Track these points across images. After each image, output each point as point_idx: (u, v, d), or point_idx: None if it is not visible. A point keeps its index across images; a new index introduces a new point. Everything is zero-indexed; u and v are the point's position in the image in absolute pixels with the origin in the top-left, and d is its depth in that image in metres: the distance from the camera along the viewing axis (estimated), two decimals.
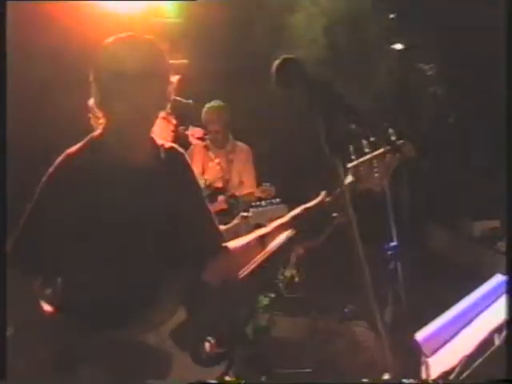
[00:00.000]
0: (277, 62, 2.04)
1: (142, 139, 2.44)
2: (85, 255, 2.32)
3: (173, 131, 4.12)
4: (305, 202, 2.56)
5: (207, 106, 6.12)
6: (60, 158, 2.36)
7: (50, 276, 2.52)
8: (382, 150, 2.46)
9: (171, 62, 2.46)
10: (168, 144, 2.62)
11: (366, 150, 2.48)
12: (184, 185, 2.56)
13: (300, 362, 5.00)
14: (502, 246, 7.43)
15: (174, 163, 2.54)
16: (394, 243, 3.51)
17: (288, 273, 6.63)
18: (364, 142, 2.48)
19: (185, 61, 6.01)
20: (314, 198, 2.55)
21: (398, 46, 11.14)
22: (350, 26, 8.65)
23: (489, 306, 2.59)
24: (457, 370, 2.35)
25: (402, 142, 2.47)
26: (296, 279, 6.63)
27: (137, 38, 2.34)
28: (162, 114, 2.52)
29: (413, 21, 9.44)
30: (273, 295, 6.36)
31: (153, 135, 2.52)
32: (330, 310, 6.26)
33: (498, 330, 2.43)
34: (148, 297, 2.31)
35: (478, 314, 2.56)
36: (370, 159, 2.46)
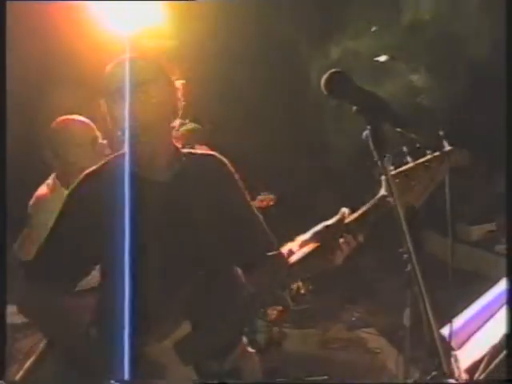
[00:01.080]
0: (326, 76, 2.02)
1: (163, 150, 2.41)
2: (109, 266, 2.39)
3: None
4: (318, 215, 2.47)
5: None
6: (81, 176, 2.44)
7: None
8: (425, 158, 2.29)
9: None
10: (205, 152, 2.66)
11: (408, 159, 2.29)
12: (224, 192, 2.51)
13: (313, 373, 5.02)
14: (500, 248, 7.54)
15: (210, 171, 2.50)
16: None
17: (294, 285, 6.70)
18: (405, 149, 2.28)
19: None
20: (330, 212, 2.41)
21: (382, 58, 11.35)
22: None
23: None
24: (485, 360, 2.42)
25: (451, 148, 2.30)
26: (302, 291, 6.69)
27: (135, 57, 2.37)
28: (176, 122, 2.45)
29: (397, 33, 9.62)
30: (280, 308, 6.43)
31: (179, 146, 2.52)
32: (338, 319, 6.31)
33: None
34: (159, 308, 2.32)
35: (503, 305, 2.64)
36: (411, 169, 2.28)
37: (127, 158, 2.35)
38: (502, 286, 2.76)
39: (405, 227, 1.96)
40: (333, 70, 2.02)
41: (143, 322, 2.24)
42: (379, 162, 1.91)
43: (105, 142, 3.56)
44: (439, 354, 1.80)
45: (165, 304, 2.30)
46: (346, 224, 2.32)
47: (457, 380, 2.42)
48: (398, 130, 2.02)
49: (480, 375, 2.41)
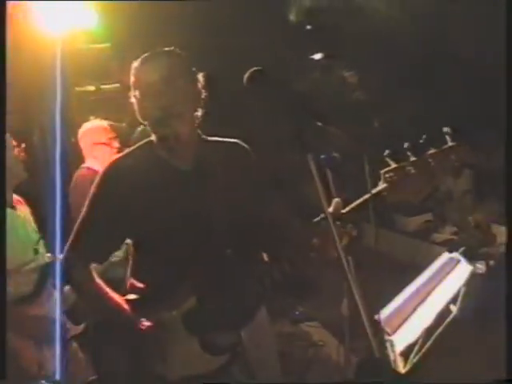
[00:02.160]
0: (247, 75, 2.12)
1: (188, 138, 2.52)
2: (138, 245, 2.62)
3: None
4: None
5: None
6: (111, 160, 2.59)
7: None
8: (428, 154, 2.28)
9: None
10: (229, 140, 2.69)
11: (409, 154, 2.27)
12: (245, 177, 2.60)
13: None
14: (437, 237, 7.73)
15: (233, 157, 2.61)
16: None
17: None
18: (407, 144, 2.28)
19: (117, 84, 6.08)
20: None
21: (317, 56, 11.48)
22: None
23: (441, 280, 2.77)
24: (419, 342, 2.50)
25: (456, 143, 2.29)
26: None
27: (161, 52, 2.50)
28: (199, 112, 2.54)
29: (331, 31, 9.77)
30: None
31: (204, 136, 2.63)
32: (282, 314, 6.35)
33: (453, 300, 2.61)
34: (171, 282, 2.47)
35: (432, 290, 2.73)
36: (411, 164, 2.27)
37: (154, 150, 2.56)
38: (430, 271, 2.85)
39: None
40: (254, 68, 2.07)
41: (157, 293, 2.46)
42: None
43: None
44: (370, 339, 1.83)
45: (175, 278, 2.45)
46: (341, 214, 2.36)
47: (392, 364, 2.51)
48: (319, 124, 2.07)
49: (414, 357, 2.49)
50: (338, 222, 2.28)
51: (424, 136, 2.27)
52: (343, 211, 2.34)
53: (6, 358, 2.48)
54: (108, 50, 6.28)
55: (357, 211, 2.35)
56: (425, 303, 2.70)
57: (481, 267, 6.90)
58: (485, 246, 7.28)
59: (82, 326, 3.38)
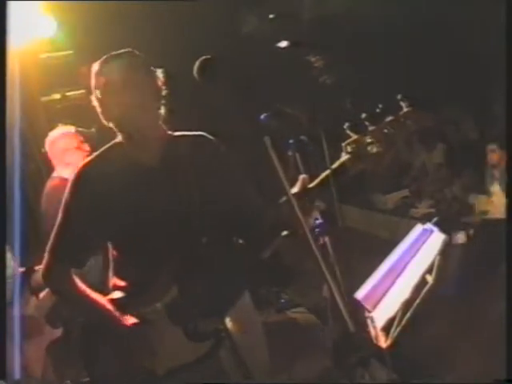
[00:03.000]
0: (197, 64, 2.14)
1: (153, 135, 2.56)
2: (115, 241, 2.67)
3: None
4: None
5: None
6: (81, 164, 2.61)
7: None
8: (385, 122, 2.32)
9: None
10: (194, 133, 2.72)
11: (367, 124, 2.32)
12: (214, 168, 2.63)
13: None
14: (415, 212, 7.79)
15: (199, 150, 2.63)
16: (319, 220, 3.66)
17: None
18: (365, 115, 2.32)
19: (83, 90, 6.04)
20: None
21: (283, 44, 11.49)
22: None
23: (416, 252, 2.78)
24: (399, 315, 2.52)
25: (410, 109, 2.33)
26: None
27: (120, 54, 2.51)
28: (162, 108, 2.56)
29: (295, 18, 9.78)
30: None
31: (170, 132, 2.65)
32: (268, 304, 6.37)
33: (428, 271, 2.62)
34: (153, 275, 2.52)
35: (408, 262, 2.74)
36: (370, 133, 2.33)
37: (122, 148, 2.59)
38: (405, 244, 2.87)
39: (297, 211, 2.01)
40: (204, 56, 2.09)
41: (139, 289, 2.53)
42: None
43: None
44: (344, 316, 1.85)
45: (156, 271, 2.51)
46: (308, 189, 2.41)
47: (374, 340, 2.53)
48: (277, 105, 2.05)
49: (395, 331, 2.51)
50: (305, 198, 2.36)
51: (380, 105, 2.29)
52: (310, 186, 2.39)
53: (5, 357, 2.54)
54: (71, 57, 6.22)
55: (323, 185, 2.39)
56: (402, 276, 2.72)
57: (461, 237, 6.98)
58: (463, 216, 7.35)
59: (60, 330, 3.40)
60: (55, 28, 6.07)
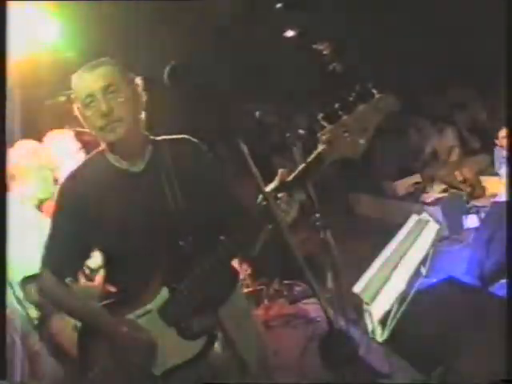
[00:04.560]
0: (167, 69, 2.16)
1: (135, 141, 2.57)
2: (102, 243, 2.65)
3: None
4: None
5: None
6: (67, 174, 2.62)
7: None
8: (357, 110, 2.31)
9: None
10: (177, 136, 2.72)
11: (340, 113, 2.31)
12: (197, 171, 2.64)
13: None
14: (426, 197, 7.73)
15: (182, 154, 2.64)
16: (318, 214, 3.65)
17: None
18: (337, 105, 2.30)
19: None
20: None
21: (290, 33, 11.42)
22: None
23: (412, 243, 2.76)
24: (395, 307, 2.50)
25: (380, 95, 2.32)
26: (241, 276, 6.75)
27: (99, 63, 2.50)
28: (142, 114, 2.57)
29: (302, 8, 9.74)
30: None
31: (152, 137, 2.66)
32: (281, 295, 6.37)
33: (422, 262, 2.60)
34: (142, 279, 2.54)
35: (404, 254, 2.72)
36: (343, 122, 2.32)
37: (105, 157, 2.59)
38: (401, 235, 2.85)
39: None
40: (173, 62, 2.10)
41: (131, 293, 2.56)
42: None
43: None
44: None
45: (145, 275, 2.53)
46: (287, 183, 2.40)
47: (371, 334, 2.52)
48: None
49: (391, 323, 2.49)
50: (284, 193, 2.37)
51: (353, 93, 2.30)
52: (288, 179, 2.38)
53: (6, 357, 2.55)
54: (74, 59, 6.22)
55: (301, 177, 2.38)
56: (398, 268, 2.70)
57: (473, 220, 6.93)
58: (474, 199, 7.29)
59: None
60: (59, 30, 6.06)
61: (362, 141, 2.33)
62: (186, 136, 2.74)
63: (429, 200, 7.63)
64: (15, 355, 3.09)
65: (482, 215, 6.78)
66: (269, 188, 2.43)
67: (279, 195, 2.39)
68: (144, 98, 2.59)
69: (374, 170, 9.35)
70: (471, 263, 5.47)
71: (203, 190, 2.60)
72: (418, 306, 4.19)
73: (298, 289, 6.35)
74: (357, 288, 2.74)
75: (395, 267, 2.70)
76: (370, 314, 2.61)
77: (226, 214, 2.65)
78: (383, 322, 2.51)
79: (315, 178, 2.43)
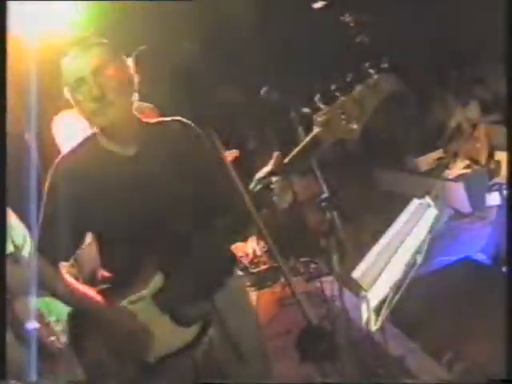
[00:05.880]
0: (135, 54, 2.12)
1: (127, 124, 2.52)
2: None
3: None
4: None
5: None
6: (58, 158, 2.58)
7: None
8: (354, 91, 2.26)
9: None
10: (170, 118, 2.69)
11: (337, 94, 2.27)
12: (191, 153, 2.59)
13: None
14: (448, 173, 7.59)
15: (175, 136, 2.61)
16: (325, 194, 3.58)
17: (249, 248, 6.73)
18: (334, 86, 2.28)
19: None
20: None
21: (318, 4, 11.26)
22: None
23: (410, 230, 2.68)
24: (390, 296, 2.44)
25: (379, 76, 2.27)
26: (258, 252, 6.73)
27: (89, 45, 2.45)
28: (135, 96, 2.53)
29: None
30: (240, 273, 6.43)
31: (145, 120, 2.62)
32: (298, 273, 6.33)
33: (418, 251, 2.52)
34: (136, 264, 2.51)
35: (403, 240, 2.65)
36: (340, 104, 2.27)
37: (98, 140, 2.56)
38: (401, 220, 2.77)
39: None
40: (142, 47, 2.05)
41: (125, 278, 2.52)
42: None
43: None
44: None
45: (139, 260, 2.49)
46: (283, 166, 2.36)
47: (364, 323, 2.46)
48: None
49: (385, 313, 2.43)
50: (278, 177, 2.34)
51: (350, 74, 2.24)
52: (284, 162, 2.35)
53: (6, 357, 2.51)
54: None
55: (298, 160, 2.35)
56: (396, 255, 2.63)
57: (495, 198, 6.80)
58: (498, 176, 7.15)
59: None
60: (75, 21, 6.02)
61: (358, 123, 2.28)
62: (179, 118, 2.69)
63: (451, 176, 7.48)
64: None
65: (505, 192, 6.65)
66: (263, 172, 2.40)
67: (273, 179, 2.35)
68: (136, 79, 2.54)
69: (398, 145, 9.21)
70: (489, 242, 5.38)
71: (197, 173, 2.56)
72: (431, 287, 4.16)
73: (314, 266, 6.32)
74: (356, 273, 2.67)
75: (394, 253, 2.63)
76: (367, 302, 2.54)
77: (221, 198, 2.56)
78: (377, 310, 2.44)
79: (311, 161, 2.38)
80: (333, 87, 2.30)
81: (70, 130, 4.16)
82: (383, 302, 2.44)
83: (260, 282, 6.35)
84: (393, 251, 2.63)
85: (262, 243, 6.61)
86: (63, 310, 2.76)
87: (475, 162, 7.49)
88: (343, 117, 2.27)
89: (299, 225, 6.45)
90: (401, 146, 9.02)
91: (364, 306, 2.56)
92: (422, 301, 3.81)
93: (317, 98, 2.32)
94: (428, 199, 2.74)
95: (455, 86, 8.66)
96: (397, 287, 2.43)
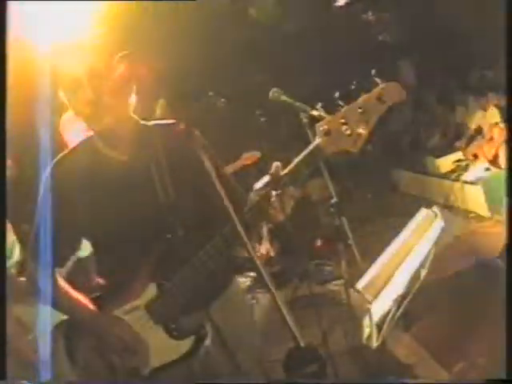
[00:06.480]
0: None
1: (123, 127, 2.45)
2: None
3: None
4: None
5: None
6: (53, 161, 2.53)
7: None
8: (358, 100, 2.19)
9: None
10: (168, 121, 2.61)
11: (341, 103, 2.21)
12: (188, 157, 2.43)
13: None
14: (466, 176, 7.48)
15: (172, 139, 2.49)
16: (334, 200, 3.51)
17: (263, 249, 6.67)
18: (337, 94, 2.21)
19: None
20: None
21: (341, 2, 11.20)
22: None
23: (417, 241, 2.60)
24: (392, 310, 2.36)
25: (384, 85, 2.20)
26: (272, 253, 6.67)
27: (85, 47, 2.39)
28: (133, 98, 2.47)
29: None
30: (253, 274, 6.39)
31: (143, 122, 2.55)
32: (310, 275, 6.26)
33: (422, 265, 2.43)
34: (130, 272, 2.46)
35: (408, 252, 2.57)
36: (343, 113, 2.20)
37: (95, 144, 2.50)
38: (409, 230, 2.68)
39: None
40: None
41: (118, 286, 2.46)
42: None
43: None
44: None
45: (133, 269, 2.44)
46: (281, 177, 2.26)
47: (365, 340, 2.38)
48: None
49: (387, 329, 2.34)
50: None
51: (354, 82, 2.16)
52: (282, 173, 2.25)
53: (5, 357, 2.50)
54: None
55: (297, 171, 2.26)
56: (401, 266, 2.54)
57: None
58: None
59: None
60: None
61: (362, 133, 2.19)
62: (176, 121, 2.57)
63: (470, 179, 7.37)
64: None
65: None
66: (261, 183, 2.31)
67: (271, 191, 2.27)
68: (134, 81, 2.46)
69: (418, 146, 9.14)
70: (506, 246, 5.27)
71: (194, 179, 2.46)
72: (443, 293, 4.07)
73: (328, 269, 6.26)
74: (360, 284, 2.59)
75: (399, 265, 2.54)
76: (370, 315, 2.46)
77: (217, 206, 2.52)
78: (380, 324, 2.36)
79: (311, 172, 2.30)
80: (336, 95, 2.23)
81: (78, 128, 4.14)
82: (386, 316, 2.35)
83: (274, 284, 6.27)
84: (398, 263, 2.54)
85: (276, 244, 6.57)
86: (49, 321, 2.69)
87: (495, 164, 7.36)
88: (346, 127, 2.19)
89: (313, 226, 6.41)
90: (421, 147, 8.94)
91: (367, 320, 2.48)
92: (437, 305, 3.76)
93: (319, 106, 2.26)
94: (435, 209, 2.63)
95: (476, 88, 8.55)
96: (399, 302, 2.34)
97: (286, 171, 2.26)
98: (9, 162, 3.69)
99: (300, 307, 5.51)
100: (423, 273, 2.34)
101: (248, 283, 6.14)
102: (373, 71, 2.15)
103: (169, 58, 6.57)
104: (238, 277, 5.86)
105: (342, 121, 2.19)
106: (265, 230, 6.53)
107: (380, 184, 9.07)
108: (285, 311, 1.85)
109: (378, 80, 2.24)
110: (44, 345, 2.90)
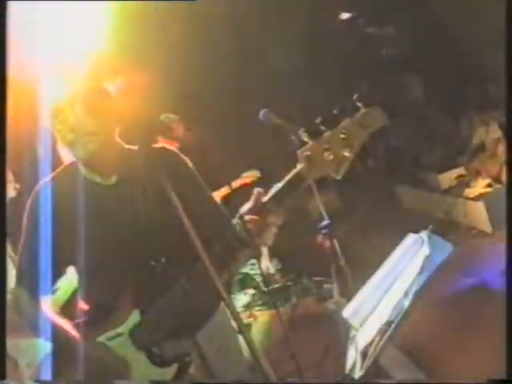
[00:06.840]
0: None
1: (108, 153, 2.44)
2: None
3: None
4: None
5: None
6: (36, 187, 2.52)
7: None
8: (340, 126, 2.16)
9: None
10: (155, 146, 2.61)
11: (323, 128, 2.16)
12: (174, 182, 2.40)
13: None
14: (469, 192, 7.42)
15: (158, 164, 2.43)
16: (326, 221, 3.49)
17: (263, 266, 6.64)
18: (319, 120, 2.18)
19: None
20: None
21: (345, 16, 11.19)
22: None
23: (404, 267, 2.56)
24: (377, 339, 2.32)
25: (366, 110, 2.16)
26: (271, 271, 6.64)
27: (58, 71, 2.40)
28: (118, 123, 2.47)
29: None
30: (252, 291, 6.37)
31: (128, 146, 2.54)
32: (309, 293, 6.23)
33: (406, 294, 2.38)
34: (114, 299, 2.44)
35: (395, 278, 2.53)
36: (325, 139, 2.16)
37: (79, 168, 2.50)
38: (397, 255, 2.65)
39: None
40: None
41: (101, 313, 2.44)
42: None
43: None
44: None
45: (116, 295, 2.43)
46: (263, 204, 2.25)
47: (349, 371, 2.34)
48: None
49: (370, 358, 2.30)
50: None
51: (336, 107, 2.14)
52: (263, 200, 2.24)
53: (5, 357, 2.49)
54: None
55: (279, 198, 2.24)
56: (388, 294, 2.50)
57: None
58: None
59: None
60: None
61: (345, 158, 2.17)
62: (164, 145, 2.62)
63: (472, 195, 7.31)
64: None
65: None
66: (243, 209, 2.28)
67: (253, 217, 2.24)
68: (118, 104, 2.45)
69: (419, 162, 9.10)
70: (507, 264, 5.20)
71: (180, 205, 2.40)
72: (443, 314, 4.01)
73: (327, 286, 6.20)
74: (346, 312, 2.55)
75: (385, 293, 2.50)
76: (356, 344, 2.42)
77: (204, 232, 2.48)
78: (364, 353, 2.32)
79: (294, 197, 2.27)
80: (317, 120, 2.20)
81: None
82: (370, 345, 2.31)
83: (272, 301, 6.24)
84: (384, 290, 2.50)
85: (275, 261, 6.54)
86: (38, 352, 2.66)
87: (497, 180, 7.30)
88: (328, 153, 2.16)
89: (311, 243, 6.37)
90: (422, 163, 8.90)
91: (352, 349, 2.44)
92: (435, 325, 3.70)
93: (300, 131, 2.23)
94: (423, 235, 2.59)
95: (479, 103, 8.50)
96: (383, 332, 2.29)
97: (266, 198, 2.24)
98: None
99: (299, 326, 5.52)
100: (406, 303, 2.29)
101: (247, 299, 6.13)
102: (355, 95, 2.15)
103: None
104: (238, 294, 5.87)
105: (325, 146, 2.16)
106: (265, 249, 6.51)
107: (382, 199, 9.02)
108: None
109: (360, 105, 2.18)
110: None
